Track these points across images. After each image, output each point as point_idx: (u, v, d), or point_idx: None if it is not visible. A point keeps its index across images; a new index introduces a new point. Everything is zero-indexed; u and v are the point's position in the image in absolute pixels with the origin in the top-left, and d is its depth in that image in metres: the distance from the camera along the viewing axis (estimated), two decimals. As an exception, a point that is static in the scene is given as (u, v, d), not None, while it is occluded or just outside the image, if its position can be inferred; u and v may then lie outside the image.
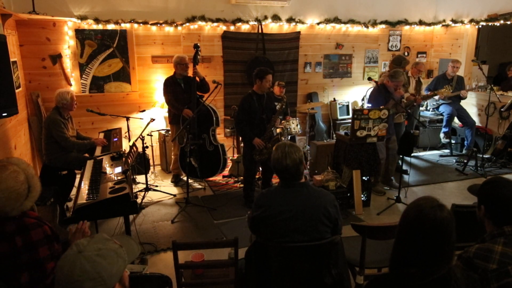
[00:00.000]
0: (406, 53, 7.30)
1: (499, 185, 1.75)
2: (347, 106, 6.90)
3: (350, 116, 6.53)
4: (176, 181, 5.39)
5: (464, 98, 6.25)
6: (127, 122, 4.89)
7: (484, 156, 6.04)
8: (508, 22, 6.19)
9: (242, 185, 4.95)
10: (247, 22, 6.08)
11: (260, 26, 6.14)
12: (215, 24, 5.91)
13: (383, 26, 6.90)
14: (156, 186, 5.16)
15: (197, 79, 4.98)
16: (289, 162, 2.20)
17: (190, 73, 5.03)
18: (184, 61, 4.99)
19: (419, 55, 7.51)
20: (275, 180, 5.09)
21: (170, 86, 5.02)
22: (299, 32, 6.49)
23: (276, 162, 2.24)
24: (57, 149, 4.26)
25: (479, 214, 1.81)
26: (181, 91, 5.01)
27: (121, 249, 1.32)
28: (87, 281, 1.19)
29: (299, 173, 2.25)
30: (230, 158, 5.67)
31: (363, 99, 6.96)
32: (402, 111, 4.90)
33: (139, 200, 4.65)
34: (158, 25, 5.63)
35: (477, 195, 1.84)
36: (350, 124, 4.54)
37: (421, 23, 7.17)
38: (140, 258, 3.47)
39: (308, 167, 5.52)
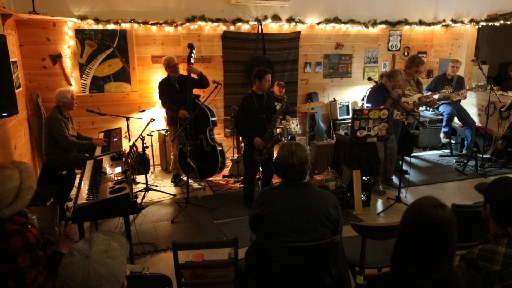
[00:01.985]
0: (406, 53, 7.30)
1: (506, 185, 1.74)
2: (347, 106, 6.90)
3: (350, 116, 6.53)
4: (176, 181, 5.38)
5: (464, 98, 6.25)
6: (127, 122, 4.89)
7: (484, 156, 6.04)
8: (508, 22, 6.19)
9: (242, 185, 4.95)
10: (247, 22, 6.08)
11: (260, 26, 6.14)
12: (215, 24, 5.91)
13: (383, 26, 6.90)
14: (156, 186, 5.16)
15: (195, 76, 4.96)
16: (295, 160, 2.19)
17: (183, 71, 5.01)
18: (173, 62, 4.95)
19: (419, 55, 7.49)
20: (275, 180, 5.09)
21: (164, 88, 5.01)
22: (299, 32, 6.49)
23: (282, 160, 2.23)
24: (57, 148, 4.26)
25: (484, 213, 1.81)
26: (176, 92, 5.00)
27: (119, 246, 1.34)
28: (104, 284, 1.21)
29: (304, 172, 2.24)
30: (230, 158, 5.67)
31: (363, 99, 6.96)
32: (401, 110, 4.90)
33: (139, 200, 4.65)
34: (158, 25, 5.63)
35: (484, 193, 1.84)
36: (350, 124, 4.54)
37: (421, 23, 7.17)
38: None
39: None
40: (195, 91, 5.07)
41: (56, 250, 1.99)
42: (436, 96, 5.99)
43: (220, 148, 5.15)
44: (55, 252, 1.98)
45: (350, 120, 5.29)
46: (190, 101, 4.88)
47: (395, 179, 5.28)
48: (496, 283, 1.57)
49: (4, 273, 1.78)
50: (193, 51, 4.86)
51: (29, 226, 1.93)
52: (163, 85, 5.03)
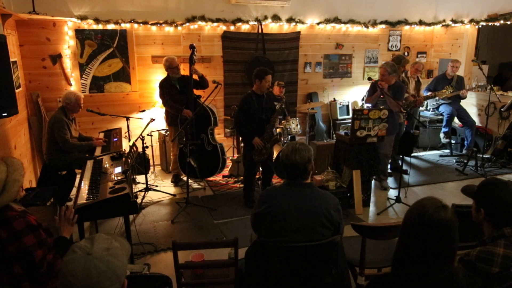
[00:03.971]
0: (406, 53, 7.30)
1: (497, 188, 1.75)
2: (347, 106, 6.90)
3: (350, 116, 6.53)
4: (176, 181, 5.38)
5: (464, 98, 6.25)
6: (127, 122, 4.89)
7: (484, 156, 6.04)
8: (508, 22, 6.19)
9: (242, 185, 4.95)
10: (247, 22, 6.08)
11: (260, 26, 6.14)
12: (215, 24, 5.91)
13: (383, 26, 6.90)
14: (156, 186, 5.16)
15: (196, 77, 4.96)
16: (298, 158, 2.19)
17: (185, 72, 5.01)
18: (174, 64, 4.93)
19: (419, 55, 7.50)
20: (275, 180, 5.09)
21: (165, 88, 4.99)
22: (299, 32, 6.49)
23: (285, 157, 2.23)
24: (59, 149, 4.26)
25: (478, 217, 1.80)
26: (177, 92, 4.99)
27: (120, 245, 1.35)
28: (104, 281, 1.22)
29: (306, 171, 2.24)
30: (230, 158, 5.67)
31: (363, 99, 6.96)
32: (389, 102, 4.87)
33: (139, 200, 4.65)
34: (158, 25, 5.63)
35: (474, 198, 1.84)
36: (350, 124, 4.54)
37: (421, 23, 7.17)
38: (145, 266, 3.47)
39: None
40: (195, 91, 5.07)
41: (58, 236, 2.06)
42: (426, 93, 6.00)
43: (220, 148, 5.17)
44: (58, 237, 2.06)
45: (350, 120, 5.29)
46: (191, 102, 4.88)
47: (394, 180, 5.28)
48: (495, 285, 1.57)
49: (9, 258, 1.84)
50: (194, 52, 4.86)
51: (28, 213, 1.99)
52: (164, 85, 5.02)
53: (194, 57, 4.88)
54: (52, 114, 4.40)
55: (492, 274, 1.57)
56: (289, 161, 2.21)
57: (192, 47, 4.85)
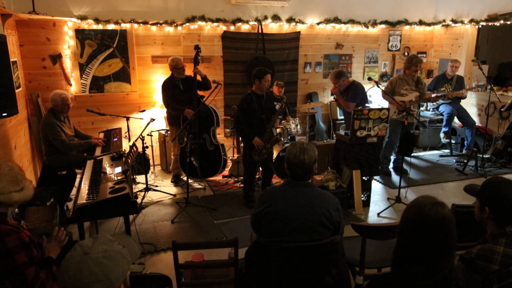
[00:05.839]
0: (406, 53, 7.30)
1: (501, 186, 1.75)
2: (347, 106, 6.89)
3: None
4: (176, 181, 5.38)
5: (464, 98, 6.25)
6: (127, 122, 4.89)
7: (484, 156, 6.04)
8: (508, 22, 6.19)
9: (242, 185, 4.95)
10: (247, 22, 6.08)
11: (260, 26, 6.14)
12: (215, 24, 5.91)
13: (383, 26, 6.90)
14: (156, 186, 5.16)
15: (199, 78, 4.97)
16: (306, 158, 2.20)
17: (189, 72, 5.02)
18: (180, 64, 4.93)
19: (419, 55, 7.49)
20: (275, 180, 5.09)
21: (169, 89, 4.99)
22: (299, 32, 6.49)
23: (292, 156, 2.23)
24: (56, 150, 4.26)
25: (482, 215, 1.80)
26: (181, 92, 4.99)
27: (124, 250, 1.32)
28: (95, 283, 1.20)
29: (311, 171, 2.25)
30: (230, 158, 5.67)
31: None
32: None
33: (139, 200, 4.65)
34: (158, 25, 5.63)
35: (479, 196, 1.83)
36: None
37: (421, 23, 7.17)
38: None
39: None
40: (198, 92, 5.07)
41: (47, 256, 2.00)
42: (434, 95, 6.00)
43: (222, 148, 5.18)
44: (47, 258, 1.99)
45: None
46: (195, 102, 4.88)
47: (394, 179, 5.28)
48: (495, 283, 1.57)
49: (2, 271, 1.78)
50: (199, 52, 4.87)
51: (22, 228, 1.94)
52: (167, 85, 5.00)
53: (199, 58, 4.88)
54: (43, 117, 4.36)
55: (491, 272, 1.58)
56: (297, 160, 2.21)
57: (197, 47, 4.86)
